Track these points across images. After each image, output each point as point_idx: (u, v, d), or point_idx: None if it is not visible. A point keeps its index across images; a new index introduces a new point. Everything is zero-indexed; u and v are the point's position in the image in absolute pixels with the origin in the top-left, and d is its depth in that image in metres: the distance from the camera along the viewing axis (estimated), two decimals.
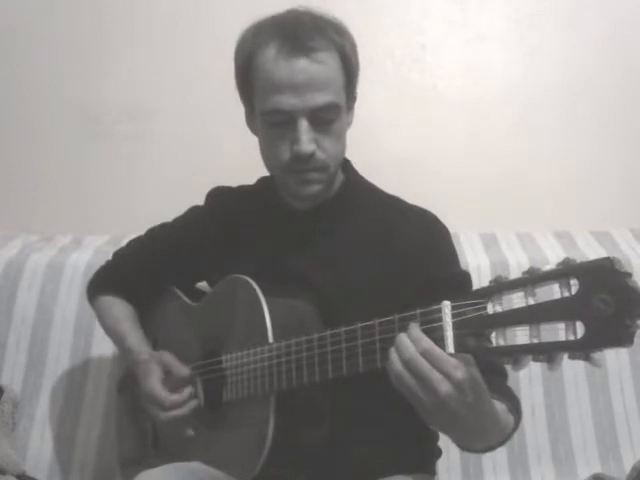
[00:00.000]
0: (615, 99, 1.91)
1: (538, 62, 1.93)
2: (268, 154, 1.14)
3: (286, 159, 1.10)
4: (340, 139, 1.12)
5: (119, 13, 2.01)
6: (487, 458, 1.52)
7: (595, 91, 1.92)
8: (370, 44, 1.92)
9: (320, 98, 1.06)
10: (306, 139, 1.07)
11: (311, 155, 1.08)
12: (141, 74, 2.00)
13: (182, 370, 1.18)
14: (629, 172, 1.92)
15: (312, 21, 1.08)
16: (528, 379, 1.56)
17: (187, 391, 1.17)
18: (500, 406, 0.96)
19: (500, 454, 1.52)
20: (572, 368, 1.56)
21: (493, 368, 1.01)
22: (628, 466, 1.40)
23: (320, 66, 1.05)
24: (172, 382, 1.18)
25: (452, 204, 1.88)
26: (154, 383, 1.18)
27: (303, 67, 1.05)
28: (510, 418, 0.99)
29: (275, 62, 1.06)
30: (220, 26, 1.87)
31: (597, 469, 1.49)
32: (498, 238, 1.72)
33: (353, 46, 1.13)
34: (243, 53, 1.11)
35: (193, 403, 1.17)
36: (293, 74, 1.05)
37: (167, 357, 1.21)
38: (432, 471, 1.24)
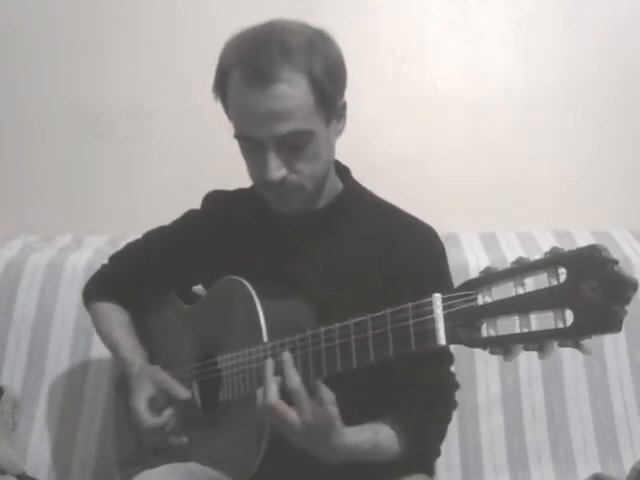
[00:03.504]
0: (615, 99, 1.91)
1: (538, 62, 1.93)
2: (248, 172, 1.16)
3: (260, 181, 1.11)
4: (318, 158, 1.10)
5: (119, 13, 2.01)
6: (487, 458, 1.52)
7: (595, 91, 1.92)
8: (370, 44, 1.92)
9: (283, 128, 1.04)
10: (273, 167, 1.06)
11: (281, 181, 1.08)
12: (141, 74, 2.00)
13: (183, 392, 1.17)
14: (629, 172, 1.92)
15: (280, 44, 1.04)
16: (528, 379, 1.56)
17: (166, 413, 1.17)
18: (379, 435, 1.06)
19: (500, 454, 1.52)
20: (572, 368, 1.56)
21: (421, 400, 1.12)
22: (628, 466, 1.40)
23: (281, 99, 1.03)
24: (165, 401, 1.18)
25: (452, 204, 1.89)
26: (139, 403, 1.18)
27: (262, 101, 1.03)
28: (393, 446, 1.08)
29: (238, 91, 1.06)
30: (220, 26, 1.86)
31: (597, 469, 1.49)
32: (498, 238, 1.72)
33: (330, 60, 1.08)
34: (219, 71, 1.11)
35: (172, 425, 1.18)
36: (253, 107, 1.04)
37: (163, 376, 1.20)
38: (431, 471, 1.24)
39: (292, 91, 1.04)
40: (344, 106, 1.15)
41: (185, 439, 1.17)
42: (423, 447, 1.14)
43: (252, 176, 1.15)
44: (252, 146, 1.09)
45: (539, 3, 1.94)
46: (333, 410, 0.95)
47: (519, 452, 1.52)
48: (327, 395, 0.95)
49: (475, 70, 1.95)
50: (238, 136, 1.10)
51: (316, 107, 1.07)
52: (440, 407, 1.17)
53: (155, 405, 1.18)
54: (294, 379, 0.96)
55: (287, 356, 0.98)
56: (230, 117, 1.12)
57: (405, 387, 1.11)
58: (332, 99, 1.10)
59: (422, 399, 1.13)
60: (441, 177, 1.92)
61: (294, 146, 1.07)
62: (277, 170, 1.07)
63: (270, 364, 0.99)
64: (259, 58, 1.03)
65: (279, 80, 1.03)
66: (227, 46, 1.11)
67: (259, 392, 0.98)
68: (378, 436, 1.06)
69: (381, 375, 1.04)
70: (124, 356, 1.28)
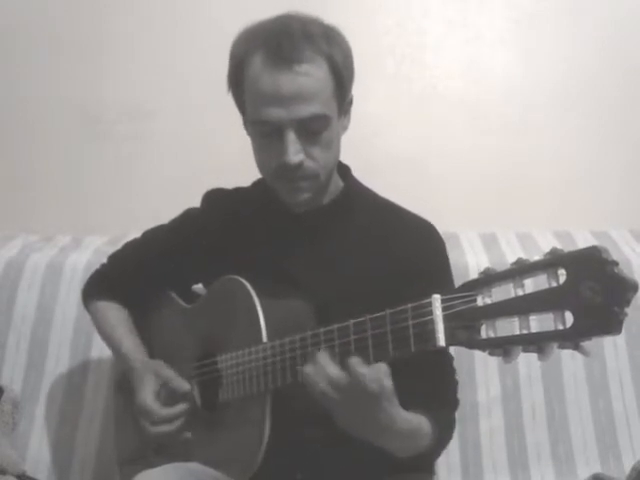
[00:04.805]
0: (615, 99, 1.91)
1: (538, 62, 1.93)
2: (258, 161, 1.15)
3: (274, 168, 1.10)
4: (331, 147, 1.11)
5: (119, 13, 2.01)
6: (487, 458, 1.52)
7: (595, 91, 1.92)
8: (370, 44, 1.92)
9: (306, 110, 1.05)
10: (292, 150, 1.06)
11: (299, 165, 1.08)
12: (141, 74, 2.00)
13: (183, 385, 1.18)
14: (629, 172, 1.92)
15: (301, 29, 1.06)
16: (528, 379, 1.56)
17: (180, 407, 1.16)
18: (419, 418, 1.02)
19: (500, 454, 1.52)
20: (572, 368, 1.56)
21: (436, 396, 1.09)
22: (628, 466, 1.41)
23: (305, 78, 1.04)
24: (167, 395, 1.18)
25: (452, 204, 1.89)
26: (146, 395, 1.18)
27: (287, 80, 1.04)
28: (428, 432, 1.03)
29: (260, 73, 1.06)
30: (220, 26, 1.87)
31: (597, 469, 1.49)
32: (498, 238, 1.72)
33: (344, 52, 1.11)
34: (234, 59, 1.11)
35: (183, 419, 1.16)
36: (277, 87, 1.04)
37: (165, 370, 1.21)
38: (431, 471, 1.24)
39: (315, 72, 1.05)
40: (351, 101, 1.17)
41: (189, 434, 1.17)
42: (443, 445, 1.13)
43: (265, 164, 1.13)
44: (269, 130, 1.08)
45: (539, 3, 1.94)
46: (387, 381, 0.90)
47: (519, 452, 1.52)
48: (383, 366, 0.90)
49: (475, 70, 1.95)
50: (255, 121, 1.10)
51: (334, 93, 1.09)
52: (455, 404, 1.17)
53: (160, 399, 1.18)
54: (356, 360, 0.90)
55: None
56: (245, 105, 1.12)
57: (431, 384, 1.10)
58: (346, 89, 1.12)
59: (446, 396, 1.14)
60: (441, 177, 1.92)
61: (312, 131, 1.07)
62: (296, 154, 1.07)
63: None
64: (283, 41, 1.04)
65: (305, 60, 1.04)
66: (241, 37, 1.11)
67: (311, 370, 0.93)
68: (421, 420, 1.03)
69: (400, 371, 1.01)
70: (126, 353, 1.28)
